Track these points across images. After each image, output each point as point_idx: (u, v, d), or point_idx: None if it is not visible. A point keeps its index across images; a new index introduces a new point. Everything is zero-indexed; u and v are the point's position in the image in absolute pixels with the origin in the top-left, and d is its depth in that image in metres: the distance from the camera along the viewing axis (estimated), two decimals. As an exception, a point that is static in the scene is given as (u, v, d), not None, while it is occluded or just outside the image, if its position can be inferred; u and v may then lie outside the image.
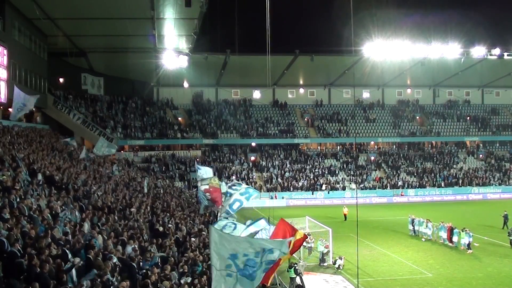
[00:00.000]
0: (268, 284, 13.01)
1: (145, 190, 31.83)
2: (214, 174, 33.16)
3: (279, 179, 57.74)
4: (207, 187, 25.64)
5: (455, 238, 31.19)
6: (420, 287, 23.27)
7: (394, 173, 61.41)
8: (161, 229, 21.13)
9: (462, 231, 30.79)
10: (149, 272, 13.75)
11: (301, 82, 69.57)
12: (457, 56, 58.86)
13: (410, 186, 59.22)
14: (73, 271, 11.79)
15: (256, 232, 16.10)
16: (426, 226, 34.16)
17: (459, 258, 28.76)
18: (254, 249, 10.13)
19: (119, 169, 36.77)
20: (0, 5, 37.31)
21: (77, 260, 12.34)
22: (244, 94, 67.58)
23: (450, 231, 31.92)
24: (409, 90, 72.67)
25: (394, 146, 67.76)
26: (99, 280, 11.57)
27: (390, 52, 55.76)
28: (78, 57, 53.60)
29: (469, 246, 30.00)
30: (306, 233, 28.29)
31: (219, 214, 24.72)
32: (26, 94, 26.51)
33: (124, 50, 51.49)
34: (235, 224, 17.86)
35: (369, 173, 60.97)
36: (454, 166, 64.29)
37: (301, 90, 70.06)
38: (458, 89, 72.71)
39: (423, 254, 29.70)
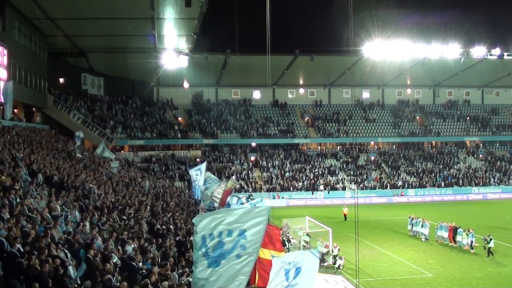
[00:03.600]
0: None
1: (146, 191, 31.82)
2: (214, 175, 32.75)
3: (279, 179, 57.74)
4: (221, 190, 25.00)
5: (459, 238, 31.18)
6: (420, 287, 23.26)
7: (394, 173, 61.41)
8: (161, 229, 21.10)
9: (464, 232, 30.78)
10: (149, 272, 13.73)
11: (301, 82, 69.57)
12: (457, 56, 58.87)
13: (410, 186, 59.21)
14: (71, 270, 11.76)
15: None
16: (422, 225, 34.19)
17: (459, 258, 28.77)
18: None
19: (118, 169, 36.63)
20: (0, 5, 37.34)
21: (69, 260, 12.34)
22: (244, 94, 67.57)
23: (454, 231, 31.90)
24: (409, 90, 72.65)
25: (394, 146, 67.73)
26: (99, 280, 11.56)
27: (390, 52, 55.74)
28: (78, 57, 53.64)
29: (471, 246, 30.04)
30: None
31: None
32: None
33: (124, 50, 51.47)
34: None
35: (369, 173, 60.95)
36: (454, 166, 64.28)
37: (301, 90, 70.05)
38: (458, 89, 72.73)
39: (423, 254, 29.70)
